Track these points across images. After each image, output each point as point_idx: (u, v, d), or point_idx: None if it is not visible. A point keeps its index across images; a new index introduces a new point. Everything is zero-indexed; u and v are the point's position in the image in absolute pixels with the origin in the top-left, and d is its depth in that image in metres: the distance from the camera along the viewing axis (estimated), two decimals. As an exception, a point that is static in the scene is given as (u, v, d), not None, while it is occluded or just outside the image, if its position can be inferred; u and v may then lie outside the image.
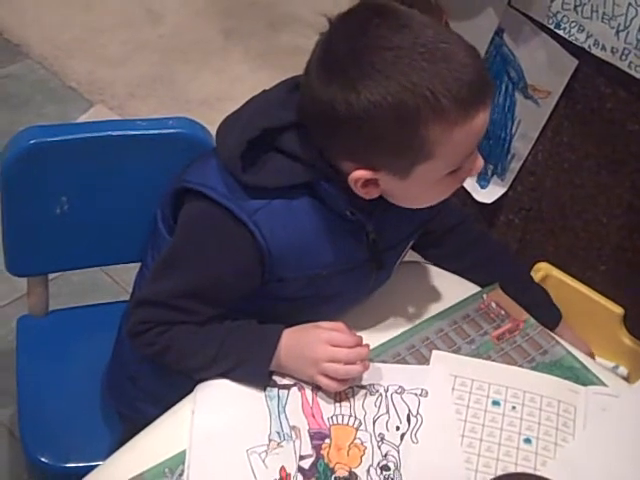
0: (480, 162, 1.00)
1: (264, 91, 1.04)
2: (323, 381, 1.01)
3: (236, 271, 1.02)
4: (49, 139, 1.21)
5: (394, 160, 0.95)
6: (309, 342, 1.02)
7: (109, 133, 1.23)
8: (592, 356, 1.24)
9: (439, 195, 1.02)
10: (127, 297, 1.28)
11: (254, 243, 0.99)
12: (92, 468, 1.00)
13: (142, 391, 1.18)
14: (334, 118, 0.93)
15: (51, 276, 1.39)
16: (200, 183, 1.01)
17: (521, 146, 1.61)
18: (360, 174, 0.96)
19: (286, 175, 0.99)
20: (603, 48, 1.38)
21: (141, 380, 1.17)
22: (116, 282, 1.96)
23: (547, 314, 1.20)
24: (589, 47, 1.40)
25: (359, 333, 1.05)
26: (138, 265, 1.22)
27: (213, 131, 1.06)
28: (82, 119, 2.33)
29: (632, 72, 1.36)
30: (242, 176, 0.98)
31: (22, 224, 1.26)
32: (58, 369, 1.31)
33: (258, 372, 1.02)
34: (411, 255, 1.21)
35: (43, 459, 1.22)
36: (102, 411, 1.27)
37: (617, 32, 1.35)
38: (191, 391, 1.03)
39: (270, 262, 1.01)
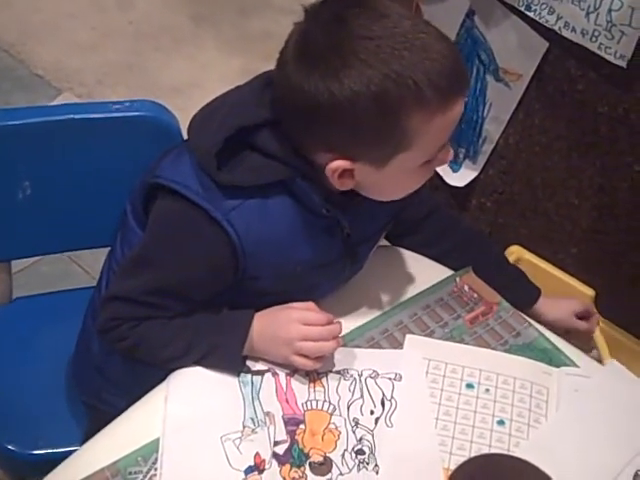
0: (451, 154, 1.01)
1: (238, 87, 1.03)
2: (298, 360, 1.01)
3: (209, 270, 1.01)
4: (11, 122, 1.19)
5: (373, 149, 0.95)
6: (281, 323, 1.02)
7: (71, 116, 1.21)
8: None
9: (411, 186, 1.03)
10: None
11: (228, 242, 0.98)
12: (60, 455, 1.00)
13: (109, 382, 1.17)
14: (315, 108, 0.92)
15: (20, 266, 1.37)
16: (174, 180, 1.00)
17: (492, 129, 1.61)
18: (338, 164, 0.96)
19: (261, 173, 0.98)
20: (573, 30, 1.38)
21: (108, 371, 1.16)
22: (86, 272, 1.93)
23: (525, 292, 1.23)
24: (559, 29, 1.40)
25: (332, 318, 1.05)
26: (107, 252, 1.20)
27: (184, 118, 1.04)
28: (50, 107, 2.30)
29: (602, 54, 1.36)
30: (217, 175, 0.97)
31: (-18, 209, 1.24)
32: (22, 356, 1.30)
33: (232, 357, 1.02)
34: (384, 243, 1.21)
35: (10, 447, 1.21)
36: (68, 398, 1.25)
37: (587, 14, 1.35)
38: (160, 382, 1.02)
39: (244, 261, 1.00)
